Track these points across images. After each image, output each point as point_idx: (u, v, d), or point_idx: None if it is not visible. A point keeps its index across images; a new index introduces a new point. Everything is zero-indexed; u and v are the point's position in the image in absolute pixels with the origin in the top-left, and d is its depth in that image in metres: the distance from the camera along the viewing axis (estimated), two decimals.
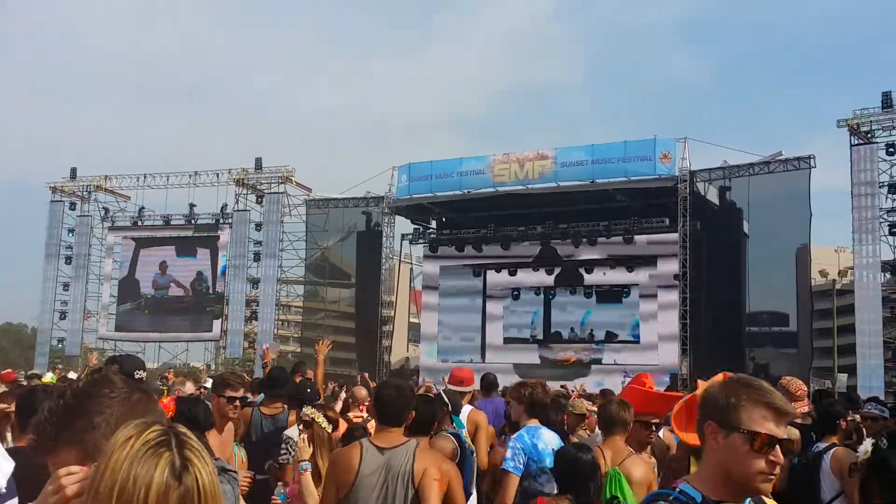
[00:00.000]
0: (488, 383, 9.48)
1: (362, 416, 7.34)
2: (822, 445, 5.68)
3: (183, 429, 1.59)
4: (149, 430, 1.53)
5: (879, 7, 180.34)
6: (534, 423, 5.47)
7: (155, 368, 36.29)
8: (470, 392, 7.51)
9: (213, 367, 38.75)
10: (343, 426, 6.43)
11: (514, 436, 5.45)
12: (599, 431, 5.51)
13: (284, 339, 46.21)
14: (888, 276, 28.70)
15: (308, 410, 5.26)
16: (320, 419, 5.12)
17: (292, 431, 5.84)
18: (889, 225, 27.92)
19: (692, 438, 4.60)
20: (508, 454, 5.19)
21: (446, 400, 5.92)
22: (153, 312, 40.87)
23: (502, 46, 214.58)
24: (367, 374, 15.10)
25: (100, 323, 41.75)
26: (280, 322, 41.55)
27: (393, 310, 39.19)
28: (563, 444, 5.08)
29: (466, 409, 6.95)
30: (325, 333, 40.37)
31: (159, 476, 1.47)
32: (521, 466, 5.07)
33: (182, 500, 1.48)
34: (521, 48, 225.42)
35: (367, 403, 7.97)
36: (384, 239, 37.51)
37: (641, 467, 4.48)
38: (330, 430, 5.20)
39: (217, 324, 39.62)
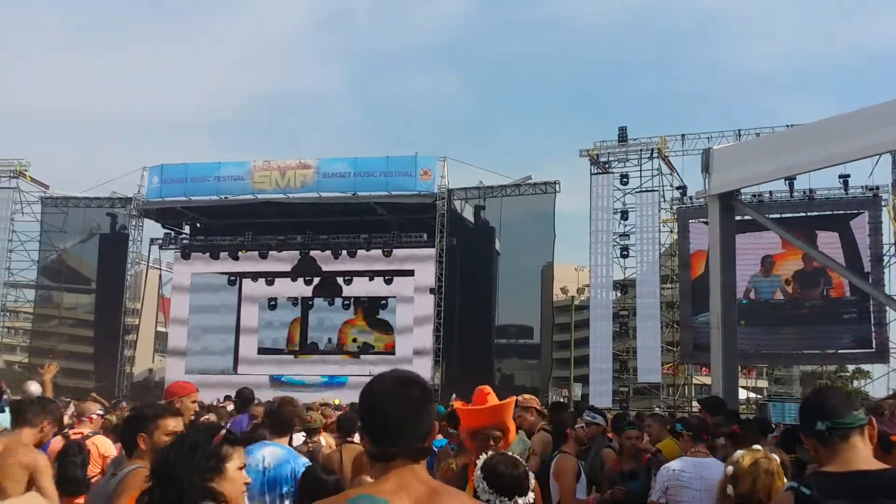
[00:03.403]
0: (244, 398, 9.05)
1: (81, 433, 6.77)
2: (556, 453, 5.98)
3: None
4: None
5: (619, 47, 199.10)
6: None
7: None
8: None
9: None
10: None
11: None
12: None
13: (11, 348, 41.90)
14: (618, 293, 31.41)
15: None
16: None
17: None
18: (621, 248, 30.54)
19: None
20: None
21: None
22: None
23: (261, 52, 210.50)
24: (95, 394, 13.86)
25: None
26: (6, 329, 37.62)
27: (138, 318, 36.86)
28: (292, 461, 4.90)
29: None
30: (58, 342, 37.17)
31: None
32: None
33: None
34: (281, 56, 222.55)
35: (95, 416, 7.59)
36: (131, 243, 35.21)
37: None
38: None
39: None
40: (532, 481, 3.46)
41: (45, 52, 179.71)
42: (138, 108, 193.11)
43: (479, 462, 3.51)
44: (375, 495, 2.04)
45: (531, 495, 3.39)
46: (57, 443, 6.35)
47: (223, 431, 2.70)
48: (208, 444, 2.58)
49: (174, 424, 3.67)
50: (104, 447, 6.56)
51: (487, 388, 4.74)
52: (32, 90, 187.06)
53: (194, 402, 6.80)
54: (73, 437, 6.81)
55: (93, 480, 5.53)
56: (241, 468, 2.68)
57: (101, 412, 8.07)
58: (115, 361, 33.84)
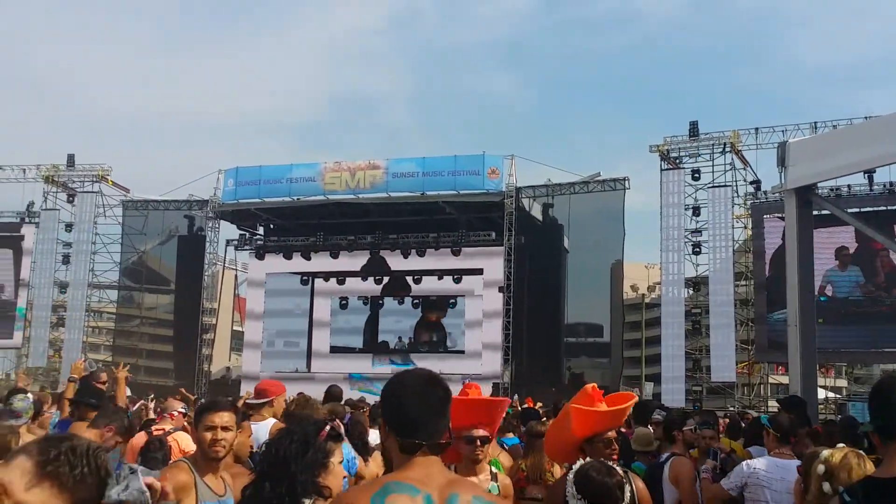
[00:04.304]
0: (333, 396, 9.12)
1: (163, 429, 6.99)
2: (668, 456, 5.96)
3: None
4: None
5: (688, 40, 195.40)
6: None
7: None
8: (270, 404, 6.95)
9: (12, 376, 35.74)
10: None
11: None
12: None
13: (95, 347, 43.51)
14: (690, 291, 30.91)
15: None
16: None
17: None
18: (692, 244, 30.04)
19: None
20: None
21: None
22: None
23: (328, 55, 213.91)
24: (184, 390, 14.39)
25: None
26: (90, 329, 39.04)
27: (215, 317, 37.86)
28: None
29: (269, 423, 6.53)
30: (139, 341, 38.48)
31: None
32: None
33: None
34: (347, 58, 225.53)
35: (176, 413, 7.70)
36: (208, 244, 36.17)
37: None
38: None
39: (18, 330, 36.58)
40: (628, 493, 3.34)
41: (131, 59, 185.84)
42: (213, 112, 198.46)
43: (575, 467, 3.44)
44: (406, 482, 2.24)
45: None
46: (139, 438, 6.62)
47: (327, 427, 2.82)
48: (316, 440, 2.69)
49: (217, 419, 3.82)
50: (185, 443, 6.63)
51: (596, 387, 4.22)
52: (114, 96, 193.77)
53: (285, 399, 7.07)
54: (155, 432, 7.06)
55: None
56: (340, 462, 2.80)
57: (182, 409, 8.19)
58: (194, 360, 34.78)
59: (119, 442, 5.27)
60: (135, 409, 9.28)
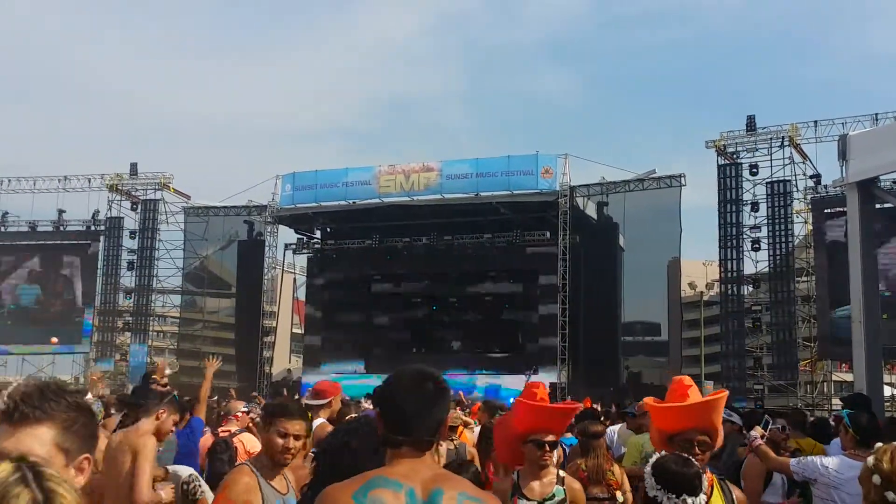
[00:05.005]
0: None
1: (229, 431, 7.19)
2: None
3: (37, 459, 1.53)
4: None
5: (743, 33, 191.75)
6: None
7: (18, 382, 34.21)
8: (328, 405, 7.00)
9: (82, 380, 36.91)
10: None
11: None
12: None
13: (159, 351, 44.61)
14: (750, 288, 30.41)
15: None
16: None
17: None
18: (752, 241, 29.58)
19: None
20: None
21: None
22: (16, 323, 38.54)
23: (379, 58, 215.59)
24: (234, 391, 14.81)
25: None
26: (155, 333, 40.06)
27: (275, 320, 38.53)
28: None
29: (316, 423, 6.52)
30: (202, 345, 39.31)
31: None
32: None
33: None
34: (398, 61, 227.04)
35: (240, 414, 7.88)
36: (267, 248, 36.88)
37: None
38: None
39: (86, 336, 37.76)
40: (705, 484, 3.30)
41: (189, 66, 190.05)
42: (269, 117, 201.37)
43: (651, 461, 3.38)
44: (389, 477, 2.29)
45: (703, 497, 3.25)
46: (206, 440, 6.84)
47: None
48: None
49: (290, 427, 3.83)
50: (250, 444, 6.87)
51: (689, 380, 3.95)
52: (174, 104, 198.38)
53: (340, 400, 7.21)
54: (221, 434, 7.27)
55: None
56: None
57: (244, 409, 8.32)
58: (255, 362, 35.44)
59: (176, 421, 5.35)
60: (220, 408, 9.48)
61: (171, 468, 5.39)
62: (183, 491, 5.16)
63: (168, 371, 9.35)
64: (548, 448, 4.28)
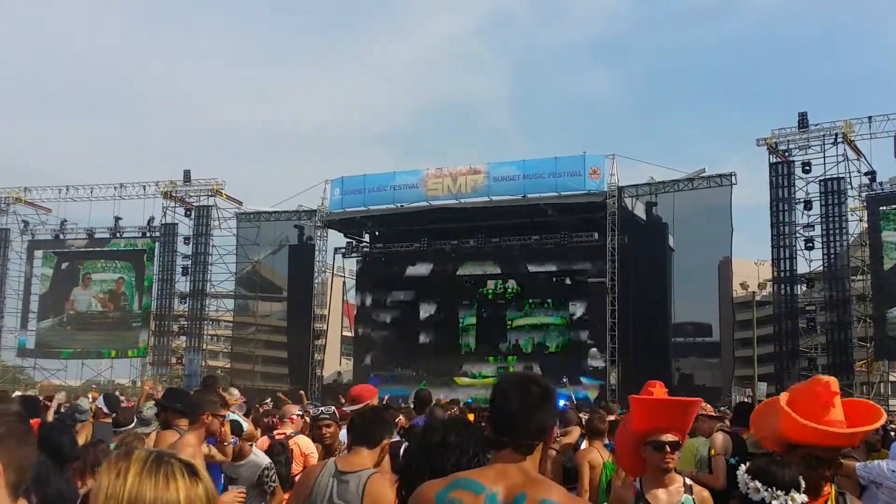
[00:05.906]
0: (421, 399, 9.16)
1: (284, 433, 7.34)
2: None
3: (167, 451, 1.63)
4: (142, 456, 1.54)
5: (794, 30, 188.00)
6: None
7: (77, 386, 35.25)
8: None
9: (138, 384, 37.81)
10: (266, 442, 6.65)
11: None
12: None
13: (213, 355, 45.45)
14: (804, 288, 29.89)
15: None
16: None
17: None
18: (805, 240, 29.09)
19: None
20: None
21: None
22: (76, 328, 39.68)
23: (425, 62, 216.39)
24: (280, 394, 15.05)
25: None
26: (209, 337, 40.82)
27: (325, 323, 39.00)
28: None
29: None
30: (255, 348, 39.98)
31: (182, 491, 1.51)
32: None
33: None
34: (444, 64, 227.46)
35: (295, 417, 7.94)
36: (317, 252, 37.35)
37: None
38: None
39: (143, 339, 38.72)
40: (803, 483, 3.22)
41: (239, 74, 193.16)
42: (318, 123, 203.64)
43: (743, 468, 3.30)
44: (474, 479, 2.34)
45: (804, 496, 3.16)
46: (262, 443, 7.02)
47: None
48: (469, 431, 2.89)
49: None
50: (305, 446, 6.92)
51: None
52: (225, 111, 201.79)
53: (376, 402, 7.31)
54: (276, 437, 7.44)
55: (296, 479, 6.01)
56: None
57: (299, 412, 8.33)
58: (307, 365, 35.91)
59: (223, 423, 4.81)
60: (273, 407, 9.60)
61: (255, 450, 5.55)
62: (259, 476, 5.29)
63: (150, 391, 9.46)
64: (668, 449, 3.84)
